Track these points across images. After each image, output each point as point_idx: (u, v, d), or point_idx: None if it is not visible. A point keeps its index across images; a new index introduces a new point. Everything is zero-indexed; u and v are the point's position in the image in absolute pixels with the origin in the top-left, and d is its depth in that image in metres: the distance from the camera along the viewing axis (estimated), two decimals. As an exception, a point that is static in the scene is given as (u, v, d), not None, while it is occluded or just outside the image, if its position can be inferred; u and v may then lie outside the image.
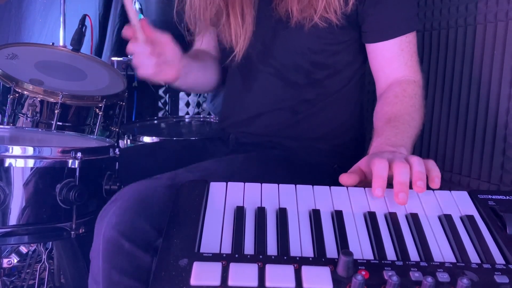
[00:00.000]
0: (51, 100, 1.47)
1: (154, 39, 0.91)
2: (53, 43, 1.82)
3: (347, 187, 0.74)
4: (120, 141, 1.66)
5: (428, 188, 0.71)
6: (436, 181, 0.71)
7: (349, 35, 1.04)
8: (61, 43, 2.00)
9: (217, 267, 0.54)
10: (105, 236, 0.77)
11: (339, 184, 0.75)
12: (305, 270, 0.54)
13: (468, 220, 0.66)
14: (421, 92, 1.01)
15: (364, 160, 0.77)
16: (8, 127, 1.41)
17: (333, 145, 1.11)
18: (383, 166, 0.70)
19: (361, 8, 0.98)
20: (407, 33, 1.00)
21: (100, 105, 1.54)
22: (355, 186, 0.75)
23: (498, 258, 0.60)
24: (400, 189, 0.68)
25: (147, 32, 0.90)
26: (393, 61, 1.01)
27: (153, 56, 0.91)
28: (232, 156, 1.02)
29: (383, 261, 0.57)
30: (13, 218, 0.93)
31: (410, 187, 0.70)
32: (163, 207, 0.77)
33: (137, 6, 2.17)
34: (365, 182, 0.76)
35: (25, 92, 1.46)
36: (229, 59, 1.10)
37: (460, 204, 0.71)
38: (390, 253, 0.61)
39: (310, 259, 0.57)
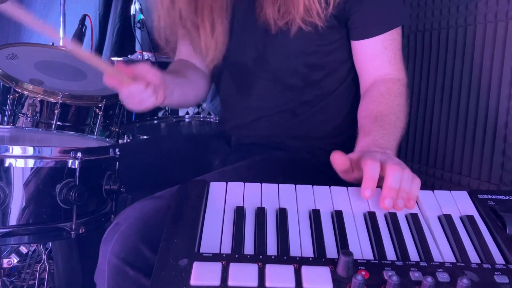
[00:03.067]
0: (51, 100, 1.47)
1: (136, 73, 0.90)
2: (53, 43, 1.82)
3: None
4: (120, 141, 1.66)
5: (429, 184, 0.70)
6: (411, 203, 0.69)
7: (340, 33, 1.04)
8: (61, 43, 2.00)
9: (217, 267, 0.54)
10: (109, 264, 0.77)
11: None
12: (305, 270, 0.54)
13: (468, 220, 0.66)
14: (406, 91, 1.00)
15: (356, 154, 0.76)
16: (8, 127, 1.41)
17: (335, 144, 1.11)
18: (375, 169, 0.68)
19: (347, 5, 0.98)
20: (390, 31, 0.99)
21: (100, 105, 1.54)
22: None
23: (498, 258, 0.60)
24: (389, 194, 0.67)
25: (127, 71, 0.89)
26: (376, 59, 1.01)
27: (148, 89, 0.90)
28: (234, 166, 1.01)
29: (383, 261, 0.57)
30: (13, 218, 0.93)
31: None
32: None
33: (137, 6, 2.17)
34: (349, 173, 0.75)
35: (25, 92, 1.47)
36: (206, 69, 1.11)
37: (460, 204, 0.71)
38: (390, 253, 0.61)
39: (310, 259, 0.57)
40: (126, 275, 0.75)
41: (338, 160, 0.73)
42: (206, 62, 1.09)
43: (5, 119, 1.48)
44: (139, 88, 0.90)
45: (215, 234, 0.63)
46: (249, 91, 1.12)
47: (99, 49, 2.56)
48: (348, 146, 1.12)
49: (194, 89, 1.21)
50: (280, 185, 0.74)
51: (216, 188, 0.73)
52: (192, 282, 0.52)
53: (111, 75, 0.88)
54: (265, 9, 0.99)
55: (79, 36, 1.76)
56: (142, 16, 2.15)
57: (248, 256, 0.57)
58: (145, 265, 0.75)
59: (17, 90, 1.45)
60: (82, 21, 1.78)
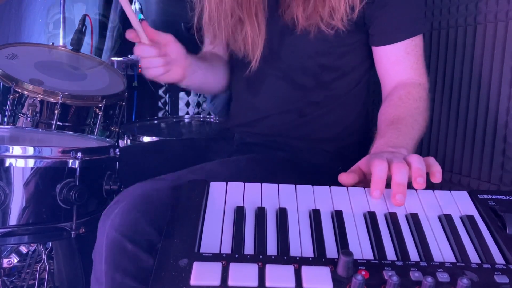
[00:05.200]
0: (51, 100, 1.47)
1: (157, 40, 0.95)
2: (53, 43, 1.82)
3: (346, 187, 0.74)
4: (120, 141, 1.66)
5: (429, 183, 0.71)
6: (437, 176, 0.71)
7: (356, 37, 1.04)
8: (61, 43, 2.00)
9: (217, 267, 0.54)
10: (108, 237, 0.77)
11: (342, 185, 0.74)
12: (305, 270, 0.54)
13: (468, 220, 0.66)
14: (427, 95, 1.00)
15: (364, 160, 0.77)
16: (8, 127, 1.41)
17: (339, 147, 1.11)
18: (382, 168, 0.69)
19: (368, 11, 0.98)
20: (413, 37, 1.00)
21: (100, 105, 1.54)
22: (355, 185, 0.75)
23: (498, 258, 0.60)
24: (398, 190, 0.68)
25: (149, 34, 0.94)
26: (399, 64, 1.01)
27: (160, 57, 0.94)
28: (236, 158, 1.01)
29: (383, 261, 0.57)
30: (13, 218, 0.93)
31: (410, 187, 0.70)
32: (166, 209, 0.76)
33: (137, 6, 2.17)
34: (364, 182, 0.76)
35: (25, 92, 1.47)
36: (248, 70, 1.09)
37: (460, 204, 0.71)
38: (390, 253, 0.61)
39: (310, 259, 0.57)
40: (124, 249, 0.75)
41: (346, 181, 0.74)
42: (253, 62, 1.07)
43: (5, 119, 1.48)
44: (150, 52, 0.93)
45: (215, 234, 0.63)
46: (258, 88, 1.12)
47: (99, 49, 2.56)
48: (351, 151, 1.12)
49: (217, 75, 1.23)
50: (280, 185, 0.74)
51: (216, 188, 0.73)
52: (192, 282, 0.52)
53: (134, 30, 0.93)
54: (293, 8, 0.99)
55: (79, 36, 1.75)
56: (142, 16, 2.15)
57: (248, 256, 0.57)
58: (144, 240, 0.76)
59: (17, 90, 1.45)
60: (82, 21, 1.78)
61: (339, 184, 0.75)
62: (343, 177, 0.74)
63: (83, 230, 1.01)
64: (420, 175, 0.69)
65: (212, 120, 1.94)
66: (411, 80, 1.01)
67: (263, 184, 0.74)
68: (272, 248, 0.61)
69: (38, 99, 1.47)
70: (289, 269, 0.54)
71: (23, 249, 1.39)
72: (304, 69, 1.07)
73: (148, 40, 0.93)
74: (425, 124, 0.96)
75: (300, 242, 0.62)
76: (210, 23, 1.13)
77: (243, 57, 1.11)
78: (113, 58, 2.21)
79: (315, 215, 0.66)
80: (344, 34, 1.01)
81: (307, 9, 0.98)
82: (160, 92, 2.55)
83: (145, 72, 0.98)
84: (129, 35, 0.93)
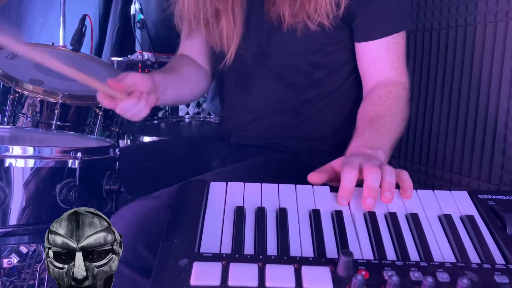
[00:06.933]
0: (51, 100, 1.47)
1: (127, 87, 0.94)
2: (53, 43, 1.82)
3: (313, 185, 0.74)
4: (120, 141, 1.66)
5: (430, 183, 0.70)
6: (408, 192, 0.70)
7: (344, 35, 1.04)
8: (61, 43, 2.00)
9: (217, 267, 0.54)
10: None
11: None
12: (305, 270, 0.54)
13: (468, 220, 0.66)
14: (407, 94, 1.00)
15: (339, 161, 0.75)
16: (8, 127, 1.41)
17: (336, 145, 1.11)
18: (351, 178, 0.68)
19: (353, 7, 0.98)
20: (394, 34, 0.99)
21: (100, 105, 1.54)
22: (326, 184, 0.74)
23: (498, 258, 0.60)
24: (369, 193, 0.67)
25: (118, 88, 0.93)
26: (379, 62, 1.01)
27: (142, 101, 0.94)
28: (233, 166, 1.01)
29: (383, 261, 0.57)
30: (13, 218, 0.93)
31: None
32: (162, 230, 0.73)
33: (137, 6, 2.17)
34: (337, 181, 0.74)
35: (25, 92, 1.47)
36: (222, 64, 1.10)
37: (460, 204, 0.71)
38: (390, 253, 0.61)
39: (310, 259, 0.57)
40: (121, 273, 0.75)
41: (315, 180, 0.73)
42: (227, 56, 1.08)
43: (5, 119, 1.48)
44: (133, 103, 0.93)
45: (215, 234, 0.63)
46: (250, 88, 1.12)
47: (99, 49, 2.56)
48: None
49: (190, 86, 1.21)
50: (280, 185, 0.74)
51: (216, 188, 0.73)
52: (192, 282, 0.52)
53: (104, 93, 0.92)
54: (279, 5, 0.99)
55: (79, 36, 1.75)
56: (142, 16, 2.15)
57: (248, 256, 0.57)
58: (140, 264, 0.75)
59: (17, 90, 1.45)
60: (82, 21, 1.78)
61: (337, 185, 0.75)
62: (312, 177, 0.73)
63: (83, 230, 1.00)
64: (388, 189, 0.68)
65: (212, 120, 1.94)
66: (391, 79, 1.00)
67: (263, 184, 0.74)
68: (272, 248, 0.61)
69: (38, 99, 1.47)
70: (289, 269, 0.54)
71: (23, 249, 1.39)
72: (294, 68, 1.07)
73: (122, 95, 0.93)
74: (404, 124, 0.96)
75: (300, 242, 0.62)
76: (187, 14, 1.12)
77: (220, 54, 1.10)
78: (113, 58, 2.21)
79: (315, 215, 0.66)
80: (332, 32, 1.00)
81: (294, 6, 0.98)
82: (160, 92, 2.55)
83: (133, 118, 0.98)
84: (105, 102, 0.92)
